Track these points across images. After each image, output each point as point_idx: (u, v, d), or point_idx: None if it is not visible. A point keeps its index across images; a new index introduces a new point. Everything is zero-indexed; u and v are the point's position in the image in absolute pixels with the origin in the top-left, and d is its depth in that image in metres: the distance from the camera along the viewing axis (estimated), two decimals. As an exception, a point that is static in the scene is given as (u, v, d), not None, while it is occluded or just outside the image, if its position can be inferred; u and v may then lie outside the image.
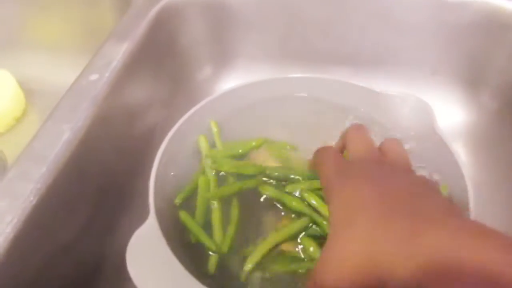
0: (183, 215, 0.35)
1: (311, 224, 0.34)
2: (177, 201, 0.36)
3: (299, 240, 0.34)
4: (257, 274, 0.32)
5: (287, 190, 0.35)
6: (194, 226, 0.34)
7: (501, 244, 0.20)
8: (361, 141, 0.30)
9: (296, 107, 0.43)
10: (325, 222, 0.33)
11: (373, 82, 0.41)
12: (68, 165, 0.36)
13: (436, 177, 0.36)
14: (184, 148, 0.39)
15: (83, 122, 0.38)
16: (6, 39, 0.62)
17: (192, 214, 0.35)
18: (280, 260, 0.33)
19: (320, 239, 0.33)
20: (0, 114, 0.54)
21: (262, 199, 0.36)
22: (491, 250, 0.19)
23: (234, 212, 0.35)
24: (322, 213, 0.34)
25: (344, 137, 0.32)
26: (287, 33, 0.55)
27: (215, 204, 0.35)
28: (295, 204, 0.35)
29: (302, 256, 0.33)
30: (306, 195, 0.35)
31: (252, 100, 0.42)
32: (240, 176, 0.37)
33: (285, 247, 0.34)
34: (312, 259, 0.33)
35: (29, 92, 0.59)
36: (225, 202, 0.36)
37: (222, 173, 0.38)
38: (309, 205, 0.34)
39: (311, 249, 0.33)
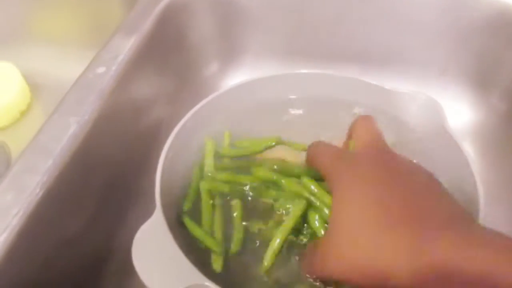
0: (188, 223, 0.34)
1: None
2: (185, 208, 0.35)
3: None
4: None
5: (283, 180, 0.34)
6: (199, 233, 0.33)
7: (503, 250, 0.19)
8: (367, 130, 0.30)
9: (303, 103, 0.43)
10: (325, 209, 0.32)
11: (382, 80, 0.41)
12: (74, 159, 0.35)
13: (445, 174, 0.36)
14: (191, 144, 0.39)
15: (90, 115, 0.38)
16: (12, 33, 0.62)
17: (198, 216, 0.35)
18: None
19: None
20: (5, 108, 0.54)
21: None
22: (491, 259, 0.19)
23: (238, 212, 0.35)
24: (321, 198, 0.32)
25: (351, 127, 0.31)
26: (295, 30, 0.54)
27: (215, 205, 0.35)
28: (292, 186, 0.33)
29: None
30: (305, 180, 0.33)
31: (259, 96, 0.42)
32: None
33: None
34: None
35: (34, 85, 0.58)
36: (226, 202, 0.35)
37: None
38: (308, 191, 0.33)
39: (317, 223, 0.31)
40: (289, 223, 0.32)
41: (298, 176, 0.34)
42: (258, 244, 0.33)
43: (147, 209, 0.31)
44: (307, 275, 0.29)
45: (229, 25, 0.55)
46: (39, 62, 0.60)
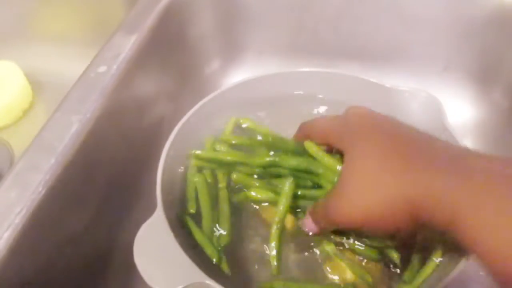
0: (191, 224, 0.34)
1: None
2: (191, 211, 0.35)
3: None
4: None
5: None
6: (200, 238, 0.34)
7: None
8: (358, 107, 0.31)
9: (304, 101, 0.43)
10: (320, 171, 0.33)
11: (384, 77, 0.41)
12: (77, 157, 0.36)
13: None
14: (192, 142, 0.39)
15: (92, 114, 0.38)
16: (14, 32, 0.62)
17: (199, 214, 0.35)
18: None
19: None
20: (7, 106, 0.54)
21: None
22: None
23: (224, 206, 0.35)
24: (322, 161, 0.32)
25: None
26: (297, 27, 0.54)
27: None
28: (292, 162, 0.33)
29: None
30: (308, 144, 0.33)
31: (261, 93, 0.42)
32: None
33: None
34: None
35: (36, 84, 0.59)
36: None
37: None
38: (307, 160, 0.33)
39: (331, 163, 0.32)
40: (283, 210, 0.32)
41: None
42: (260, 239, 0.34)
43: (149, 207, 0.32)
44: (310, 230, 0.32)
45: (230, 23, 0.55)
46: (41, 61, 0.60)
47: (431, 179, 0.25)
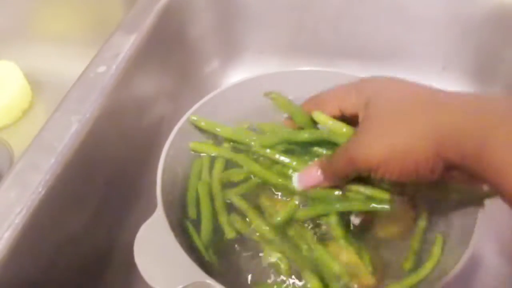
0: (191, 230, 0.34)
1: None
2: (191, 215, 0.35)
3: None
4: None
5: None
6: (199, 244, 0.34)
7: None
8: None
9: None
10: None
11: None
12: (77, 157, 0.36)
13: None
14: (192, 141, 0.39)
15: (91, 114, 0.38)
16: (14, 32, 0.62)
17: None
18: None
19: None
20: (7, 106, 0.54)
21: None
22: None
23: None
24: (334, 130, 0.32)
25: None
26: (297, 27, 0.54)
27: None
28: (304, 134, 0.34)
29: None
30: (316, 114, 0.33)
31: (260, 93, 0.42)
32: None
33: None
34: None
35: (35, 84, 0.59)
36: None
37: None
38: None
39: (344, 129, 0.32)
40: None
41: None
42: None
43: (149, 207, 0.32)
44: (308, 182, 0.32)
45: (230, 23, 0.55)
46: (41, 61, 0.60)
47: (460, 115, 0.25)
